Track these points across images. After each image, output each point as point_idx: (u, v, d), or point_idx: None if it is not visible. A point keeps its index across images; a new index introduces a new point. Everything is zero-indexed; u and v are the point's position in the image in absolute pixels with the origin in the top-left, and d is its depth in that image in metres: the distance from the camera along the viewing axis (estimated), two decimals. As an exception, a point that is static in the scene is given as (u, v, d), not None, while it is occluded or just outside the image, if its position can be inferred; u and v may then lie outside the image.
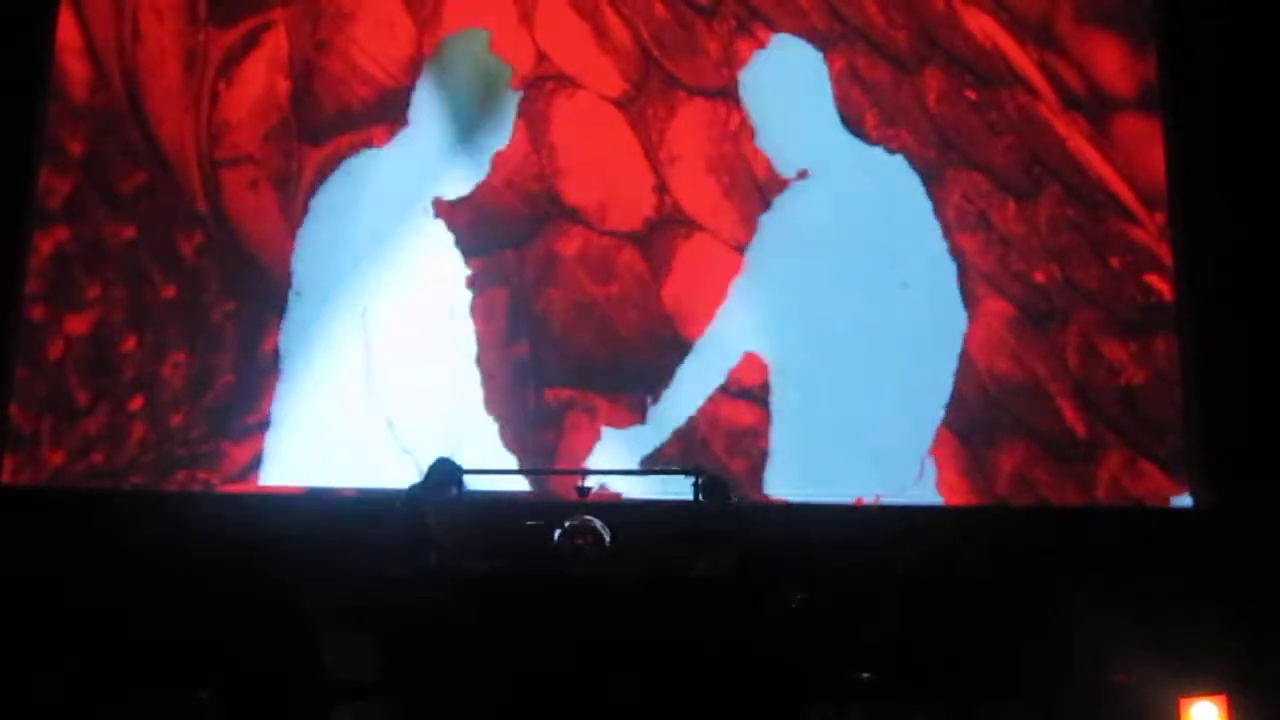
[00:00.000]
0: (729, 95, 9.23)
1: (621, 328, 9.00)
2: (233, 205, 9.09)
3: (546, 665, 6.20)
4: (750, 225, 9.09)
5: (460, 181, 9.11)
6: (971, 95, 9.24)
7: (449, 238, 9.01)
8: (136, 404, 8.76)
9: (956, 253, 9.04)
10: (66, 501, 8.50)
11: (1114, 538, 8.39)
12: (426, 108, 9.22)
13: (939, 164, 9.14)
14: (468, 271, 9.00)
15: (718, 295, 9.00)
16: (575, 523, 6.94)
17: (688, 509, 7.30)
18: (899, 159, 9.14)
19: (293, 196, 9.10)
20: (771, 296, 8.99)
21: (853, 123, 9.20)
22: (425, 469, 7.26)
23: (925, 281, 9.02)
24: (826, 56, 9.29)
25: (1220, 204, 8.81)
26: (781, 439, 8.80)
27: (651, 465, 8.61)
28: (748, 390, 8.87)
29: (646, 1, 9.33)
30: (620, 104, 9.24)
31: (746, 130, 9.17)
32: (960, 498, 8.74)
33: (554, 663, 6.21)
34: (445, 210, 9.05)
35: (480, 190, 9.11)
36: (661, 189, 9.13)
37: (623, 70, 9.27)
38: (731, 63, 9.26)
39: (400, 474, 7.86)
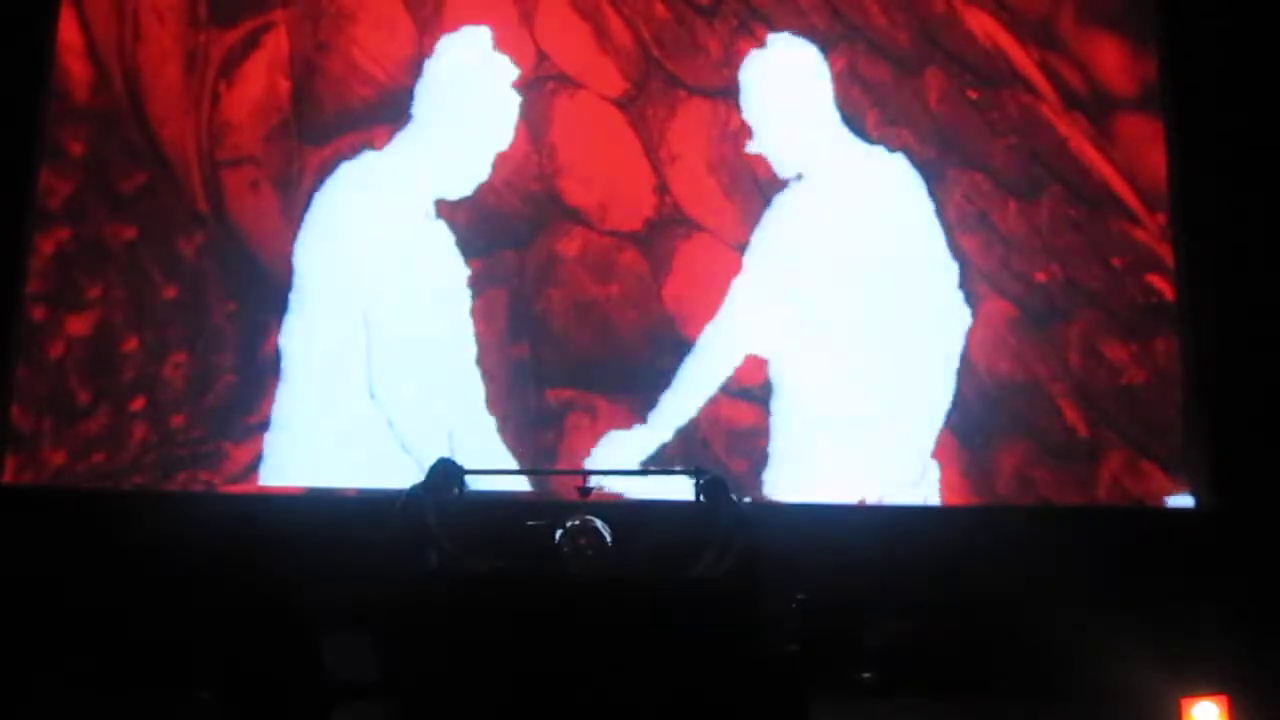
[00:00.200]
0: (729, 95, 9.24)
1: (622, 328, 9.00)
2: (234, 206, 9.09)
3: (547, 664, 6.20)
4: (751, 225, 9.09)
5: (461, 182, 9.09)
6: (973, 95, 9.24)
7: (450, 238, 8.99)
8: (137, 404, 8.76)
9: (958, 253, 9.04)
10: (67, 501, 8.51)
11: (1115, 538, 8.38)
12: (427, 108, 9.20)
13: (940, 164, 9.15)
14: (468, 272, 8.99)
15: (718, 295, 9.00)
16: (576, 523, 6.94)
17: (689, 509, 7.32)
18: (900, 159, 9.14)
19: (293, 197, 9.10)
20: (772, 297, 8.99)
21: (853, 123, 9.20)
22: (426, 469, 7.28)
23: (926, 281, 9.01)
24: (827, 56, 9.29)
25: (1221, 204, 8.81)
26: (782, 439, 8.80)
27: (652, 466, 8.62)
28: (748, 390, 8.87)
29: (647, 2, 9.34)
30: (621, 104, 9.23)
31: (747, 130, 9.16)
32: (961, 498, 8.74)
33: (555, 661, 6.21)
34: (446, 210, 9.05)
35: (481, 190, 9.10)
36: (662, 189, 9.13)
37: (623, 70, 9.28)
38: (732, 63, 9.27)
39: (401, 474, 7.84)
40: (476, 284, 9.01)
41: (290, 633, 6.42)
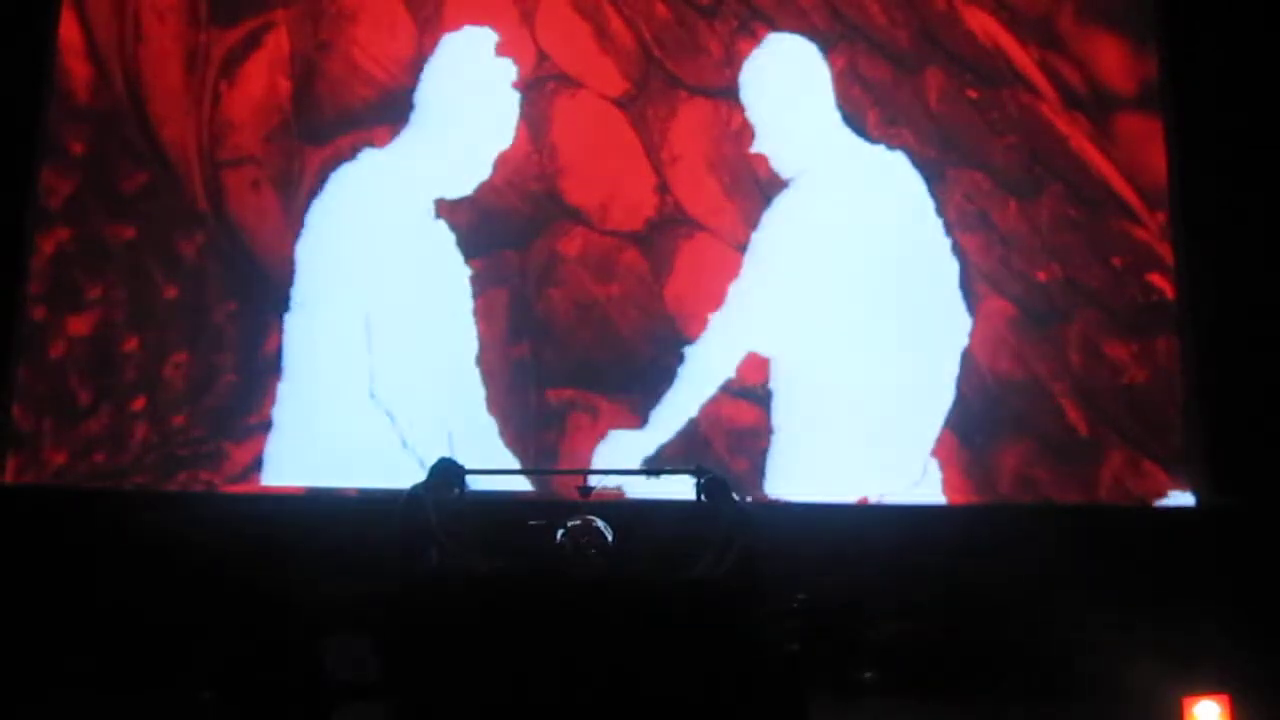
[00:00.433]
0: (730, 95, 9.24)
1: (623, 328, 9.00)
2: (234, 206, 9.10)
3: (548, 663, 6.20)
4: (751, 225, 9.09)
5: (461, 181, 9.10)
6: (973, 95, 9.24)
7: (450, 238, 9.00)
8: (138, 404, 8.77)
9: (958, 252, 9.03)
10: (68, 501, 8.51)
11: (1116, 536, 8.38)
12: (428, 108, 9.20)
13: (940, 163, 9.14)
14: (469, 271, 8.99)
15: (719, 295, 9.00)
16: (577, 522, 6.93)
17: (690, 509, 7.31)
18: (900, 159, 9.13)
19: (294, 197, 9.11)
20: (773, 296, 8.99)
21: (854, 122, 9.19)
22: (427, 469, 7.28)
23: (927, 281, 9.01)
24: (828, 56, 9.29)
25: (1221, 203, 8.80)
26: (783, 438, 8.80)
27: (654, 465, 8.60)
28: (749, 390, 8.87)
29: (648, 1, 9.34)
30: (621, 104, 9.24)
31: (748, 130, 9.16)
32: (962, 497, 8.74)
33: (556, 661, 6.21)
34: (446, 210, 9.05)
35: (481, 190, 9.10)
36: (663, 189, 9.14)
37: (624, 70, 9.28)
38: (733, 62, 9.27)
39: (402, 474, 7.83)
40: (477, 284, 9.02)
41: (291, 633, 6.43)
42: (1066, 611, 7.79)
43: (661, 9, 9.33)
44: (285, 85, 9.26)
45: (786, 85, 9.26)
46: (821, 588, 7.66)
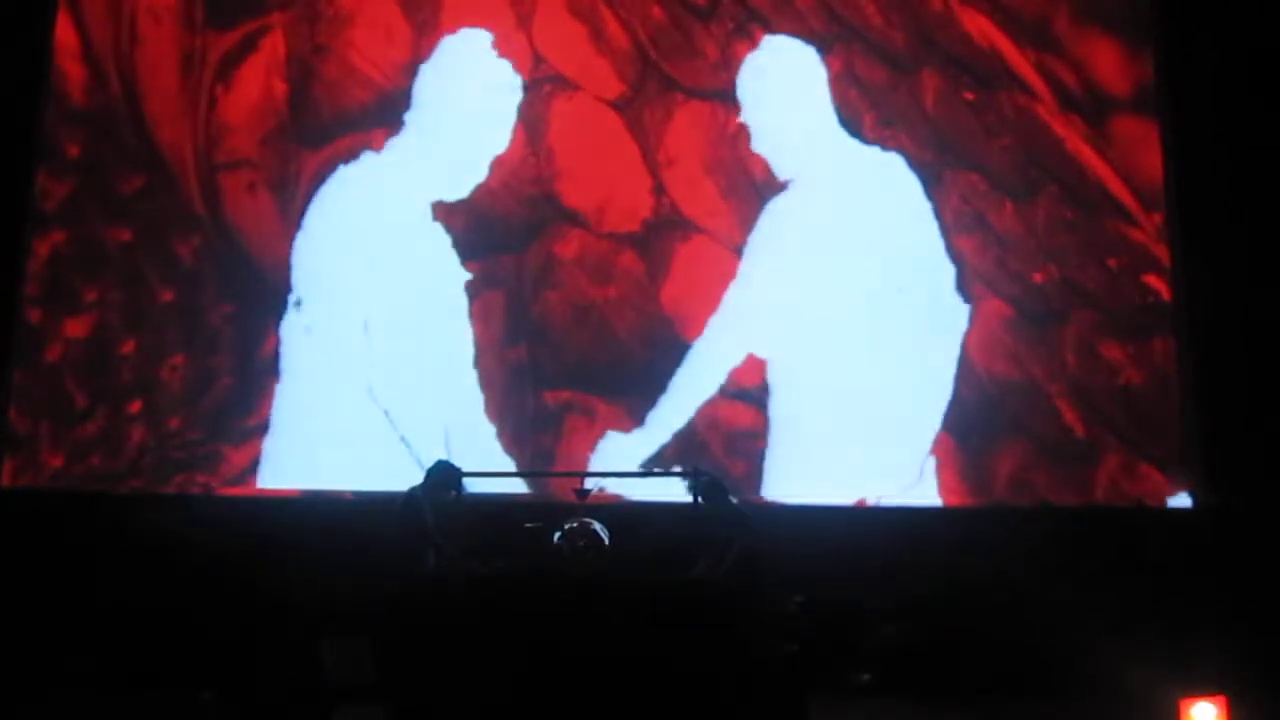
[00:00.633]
0: (727, 97, 9.23)
1: (620, 330, 9.00)
2: (231, 209, 9.08)
3: (546, 668, 6.19)
4: (748, 227, 9.09)
5: (458, 184, 9.09)
6: (969, 96, 9.25)
7: (447, 240, 8.99)
8: (135, 407, 8.75)
9: (954, 254, 9.04)
10: (65, 504, 8.49)
11: (1113, 538, 8.39)
12: (424, 111, 9.20)
13: (936, 165, 9.15)
14: (465, 274, 8.99)
15: (716, 297, 9.00)
16: (574, 525, 6.92)
17: (687, 510, 7.30)
18: (897, 161, 9.14)
19: (290, 200, 9.09)
20: (770, 298, 8.99)
21: (850, 124, 9.20)
22: (424, 471, 7.27)
23: (923, 282, 9.02)
24: (824, 58, 9.29)
25: (1218, 204, 8.82)
26: (780, 440, 8.80)
27: (650, 467, 8.61)
28: (746, 392, 8.87)
29: (644, 3, 9.34)
30: (618, 106, 9.24)
31: (744, 132, 9.16)
32: (959, 499, 8.74)
33: (553, 665, 6.20)
34: (443, 213, 9.05)
35: (478, 193, 9.10)
36: (659, 191, 9.13)
37: (620, 72, 9.28)
38: (729, 65, 9.27)
39: (399, 477, 7.79)
40: (473, 286, 9.00)
41: (289, 634, 6.43)
42: (1063, 613, 7.79)
43: (657, 11, 9.33)
44: (281, 88, 9.25)
45: (783, 87, 9.25)
46: (820, 589, 7.68)
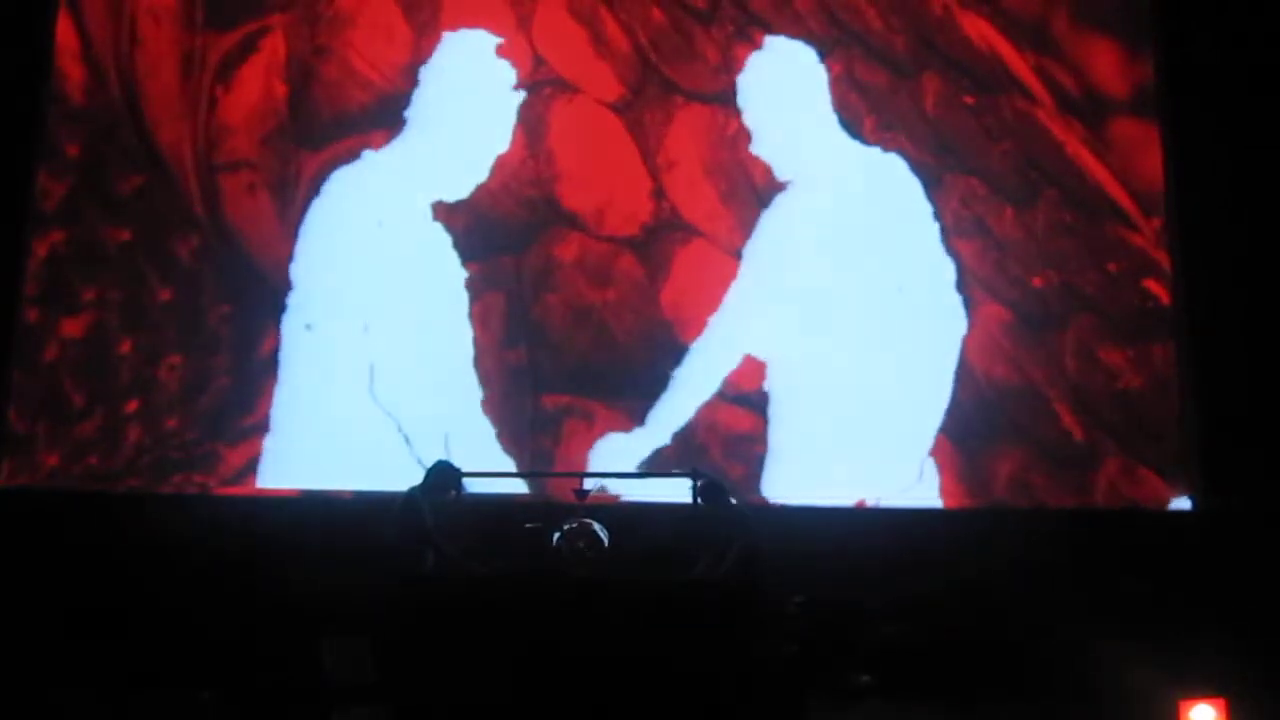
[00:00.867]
0: (727, 100, 9.25)
1: (619, 333, 9.00)
2: (230, 210, 9.07)
3: (545, 667, 6.19)
4: (748, 230, 9.09)
5: (458, 186, 9.09)
6: (969, 100, 9.26)
7: (447, 241, 8.99)
8: (132, 407, 8.73)
9: (954, 257, 9.04)
10: (62, 504, 8.46)
11: (1113, 540, 8.39)
12: (424, 112, 9.20)
13: (936, 169, 9.17)
14: (465, 276, 8.98)
15: (715, 300, 9.00)
16: (574, 525, 6.92)
17: (686, 512, 7.30)
18: (897, 164, 9.14)
19: (290, 201, 9.09)
20: (769, 301, 8.99)
21: (850, 127, 9.21)
22: (424, 471, 7.27)
23: (923, 286, 9.03)
24: (824, 61, 9.30)
25: (1217, 208, 8.82)
26: (779, 443, 8.80)
27: (650, 469, 8.60)
28: (745, 395, 8.87)
29: (644, 7, 9.35)
30: (618, 109, 9.24)
31: (744, 135, 9.17)
32: (958, 502, 8.74)
33: (553, 665, 6.20)
34: (443, 214, 9.04)
35: (478, 195, 9.09)
36: (659, 194, 9.14)
37: (621, 75, 9.28)
38: (729, 68, 9.28)
39: (398, 477, 7.79)
40: (473, 288, 9.00)
41: (288, 634, 6.41)
42: (1063, 615, 7.79)
43: (658, 14, 9.35)
44: (281, 89, 9.25)
45: (783, 91, 9.27)
46: (819, 589, 7.67)
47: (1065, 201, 9.14)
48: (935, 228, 9.08)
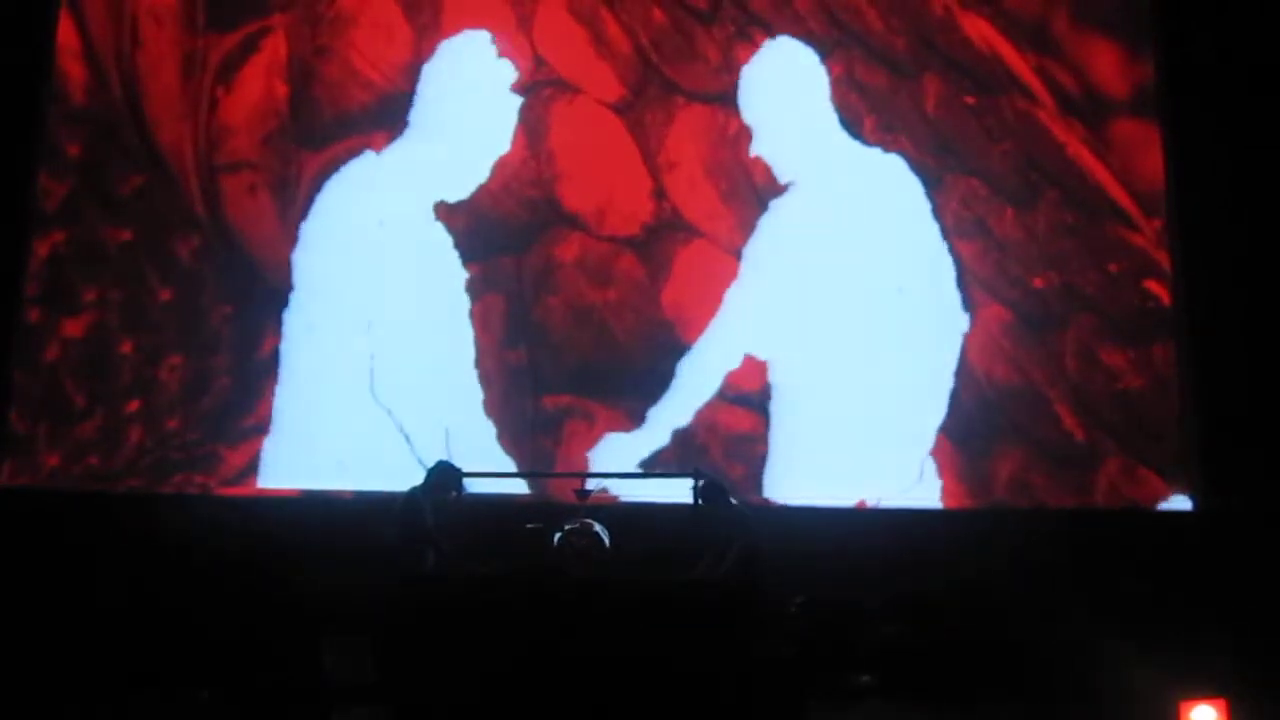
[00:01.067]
0: (727, 101, 9.25)
1: (620, 333, 9.00)
2: (231, 210, 9.08)
3: (546, 666, 6.20)
4: (748, 230, 9.09)
5: (459, 186, 9.09)
6: (970, 100, 9.26)
7: (447, 241, 8.99)
8: (133, 407, 8.74)
9: (955, 258, 9.04)
10: (63, 504, 8.47)
11: (1113, 540, 8.38)
12: (425, 113, 9.20)
13: (937, 169, 9.16)
14: (466, 276, 8.98)
15: (716, 300, 9.00)
16: (574, 525, 6.93)
17: (687, 512, 7.30)
18: (898, 165, 9.14)
19: (291, 201, 9.09)
20: (769, 301, 8.98)
21: (851, 128, 9.21)
22: (425, 471, 7.27)
23: (924, 287, 9.03)
24: (825, 62, 9.30)
25: (1217, 208, 8.81)
26: (780, 443, 8.79)
27: (651, 469, 8.60)
28: (746, 395, 8.87)
29: (645, 7, 9.35)
30: (619, 109, 9.24)
31: (745, 136, 9.17)
32: (958, 502, 8.74)
33: (553, 665, 6.20)
34: (444, 214, 9.04)
35: (479, 195, 9.10)
36: (660, 194, 9.14)
37: (621, 76, 9.28)
38: (730, 68, 9.28)
39: (399, 477, 7.79)
40: (474, 289, 9.01)
41: (289, 634, 6.41)
42: (1063, 615, 7.77)
43: (659, 15, 9.35)
44: (282, 90, 9.26)
45: (784, 91, 9.28)
46: (819, 589, 7.67)
47: (1066, 202, 9.14)
48: (936, 228, 9.08)
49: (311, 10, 9.34)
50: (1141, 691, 6.85)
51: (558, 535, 6.89)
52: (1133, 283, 9.08)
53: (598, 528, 6.95)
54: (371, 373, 8.74)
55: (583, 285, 9.06)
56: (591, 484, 7.60)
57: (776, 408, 8.85)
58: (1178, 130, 9.12)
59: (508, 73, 9.26)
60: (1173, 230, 9.07)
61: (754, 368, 8.91)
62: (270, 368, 8.83)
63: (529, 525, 7.02)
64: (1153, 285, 9.08)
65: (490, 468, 8.32)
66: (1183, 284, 8.99)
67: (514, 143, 9.20)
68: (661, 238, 9.10)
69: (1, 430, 8.68)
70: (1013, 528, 8.51)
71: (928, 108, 9.24)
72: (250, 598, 6.72)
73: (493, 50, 9.29)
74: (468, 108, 9.24)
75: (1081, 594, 7.86)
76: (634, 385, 8.92)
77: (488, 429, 8.74)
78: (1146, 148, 9.23)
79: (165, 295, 8.94)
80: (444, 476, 7.19)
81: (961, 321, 8.98)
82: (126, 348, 8.85)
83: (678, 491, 7.55)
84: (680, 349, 8.95)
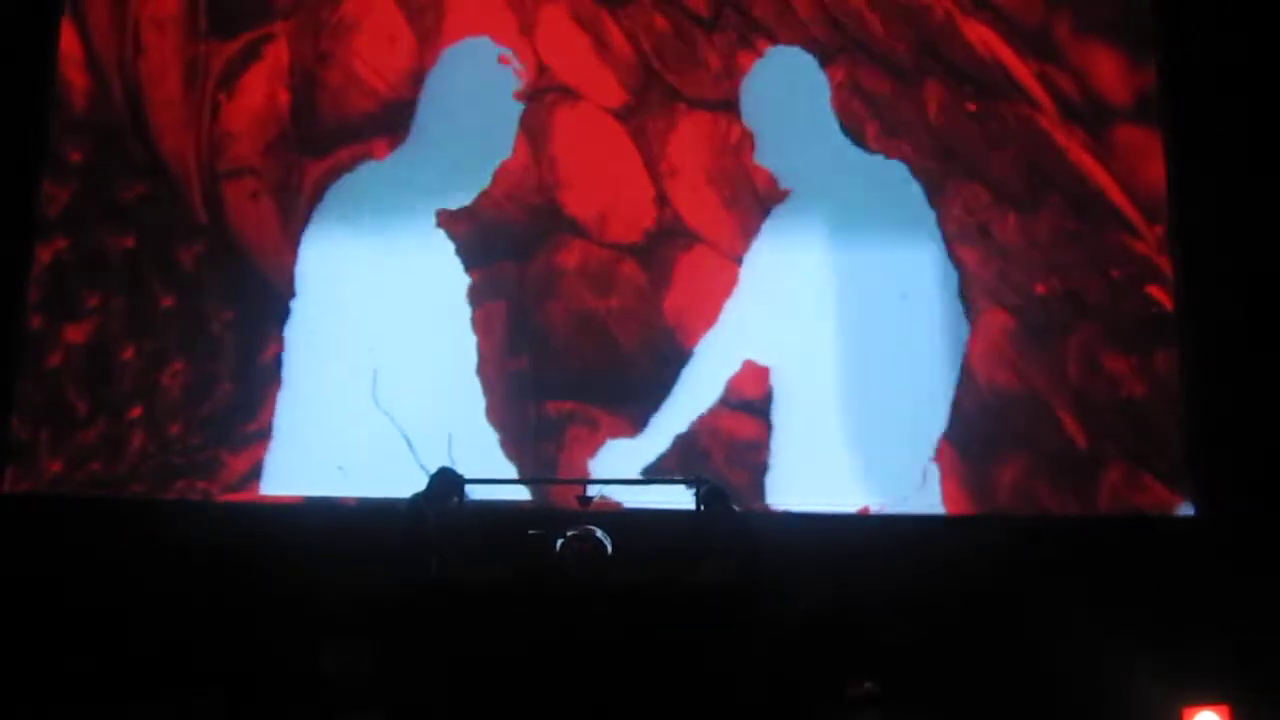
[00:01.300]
0: (730, 107, 9.25)
1: (622, 340, 9.00)
2: (234, 217, 9.08)
3: (548, 674, 6.20)
4: (750, 237, 9.09)
5: (461, 193, 9.10)
6: (971, 107, 9.26)
7: (449, 248, 8.99)
8: (135, 413, 8.73)
9: (957, 264, 9.04)
10: (66, 510, 8.47)
11: (1115, 546, 8.37)
12: (428, 120, 9.21)
13: (939, 175, 9.16)
14: (468, 283, 8.98)
15: (718, 307, 8.99)
16: (576, 532, 6.93)
17: (689, 518, 7.31)
18: (900, 171, 9.14)
19: (293, 208, 9.10)
20: (772, 308, 8.98)
21: (853, 135, 9.21)
22: (427, 478, 7.27)
23: (926, 293, 9.02)
24: (827, 68, 9.31)
25: (1220, 215, 8.82)
26: (782, 450, 8.79)
27: (653, 475, 8.60)
28: (748, 402, 8.86)
29: (647, 13, 9.35)
30: (621, 116, 9.25)
31: (747, 142, 9.18)
32: (961, 508, 8.72)
33: (555, 670, 6.20)
34: (446, 221, 9.05)
35: (481, 202, 9.10)
36: (662, 201, 9.14)
37: (624, 82, 9.29)
38: (732, 75, 9.28)
39: (401, 483, 7.78)
40: (475, 295, 9.00)
41: (291, 642, 6.42)
42: (1065, 622, 7.78)
43: (661, 21, 9.35)
44: (285, 96, 9.26)
45: (786, 97, 9.29)
46: (821, 596, 7.67)
47: (1068, 208, 9.12)
48: (938, 235, 9.09)
49: (314, 17, 9.34)
50: (1144, 697, 6.86)
51: (559, 541, 6.89)
52: (1135, 289, 9.06)
53: (600, 533, 6.94)
54: (374, 379, 8.75)
55: (585, 292, 9.06)
56: (593, 490, 7.61)
57: (779, 414, 8.84)
58: (1180, 136, 9.11)
59: (510, 79, 9.27)
60: (1175, 236, 9.07)
61: (756, 374, 8.90)
62: (273, 373, 8.82)
63: (531, 531, 7.01)
64: (1155, 291, 9.06)
65: (492, 474, 8.32)
66: (1185, 290, 8.98)
67: (516, 149, 9.20)
68: (663, 244, 9.10)
69: (4, 437, 8.65)
70: (1015, 533, 8.50)
71: (930, 114, 9.24)
72: (251, 605, 6.74)
73: (494, 56, 9.30)
74: (470, 114, 9.25)
75: (1084, 600, 7.87)
76: (636, 392, 8.91)
77: (490, 435, 8.73)
78: (1148, 154, 9.21)
79: (167, 301, 8.94)
80: (446, 483, 7.17)
81: (963, 328, 8.98)
82: (129, 354, 8.85)
83: (680, 498, 7.54)
84: (682, 355, 8.94)
